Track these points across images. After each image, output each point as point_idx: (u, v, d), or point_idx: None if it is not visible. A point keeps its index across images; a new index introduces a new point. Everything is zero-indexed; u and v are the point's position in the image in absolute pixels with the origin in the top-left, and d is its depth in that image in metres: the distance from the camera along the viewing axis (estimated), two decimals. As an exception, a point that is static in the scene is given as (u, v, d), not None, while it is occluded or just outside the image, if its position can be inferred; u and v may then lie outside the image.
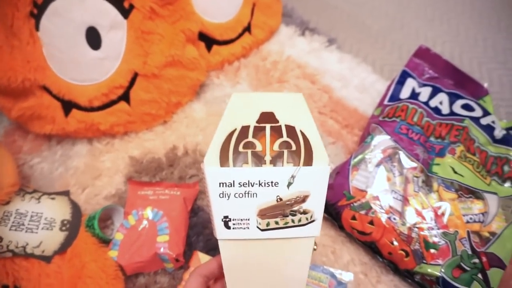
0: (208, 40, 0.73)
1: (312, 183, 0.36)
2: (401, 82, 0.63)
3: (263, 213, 0.36)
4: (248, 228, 0.36)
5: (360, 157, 0.56)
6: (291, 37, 0.85)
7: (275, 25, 0.84)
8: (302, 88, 0.74)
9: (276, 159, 0.36)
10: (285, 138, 0.36)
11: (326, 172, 0.36)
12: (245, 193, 0.36)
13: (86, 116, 0.61)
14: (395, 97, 0.62)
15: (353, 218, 0.52)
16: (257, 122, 0.36)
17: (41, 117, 0.60)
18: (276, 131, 0.36)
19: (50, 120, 0.60)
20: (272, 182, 0.36)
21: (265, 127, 0.36)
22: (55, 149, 0.65)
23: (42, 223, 0.49)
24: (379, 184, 0.53)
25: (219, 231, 0.34)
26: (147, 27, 0.59)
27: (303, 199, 0.37)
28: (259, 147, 0.36)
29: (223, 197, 0.34)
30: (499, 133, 0.57)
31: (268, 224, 0.36)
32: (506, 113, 0.76)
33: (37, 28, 0.54)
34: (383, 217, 0.51)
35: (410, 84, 0.63)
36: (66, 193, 0.54)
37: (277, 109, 0.37)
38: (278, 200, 0.36)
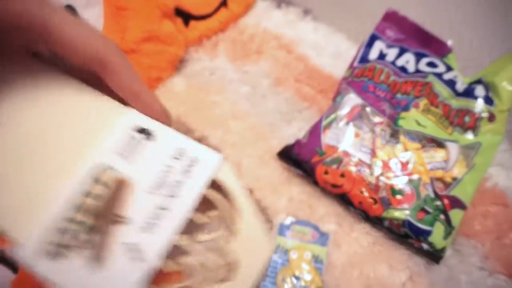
0: (185, 16, 0.75)
1: None
2: (370, 44, 0.66)
3: None
4: None
5: (332, 117, 0.59)
6: (267, 10, 0.86)
7: (250, -1, 0.86)
8: (279, 58, 0.77)
9: None
10: None
11: None
12: None
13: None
14: (364, 59, 0.65)
15: (326, 172, 0.56)
16: None
17: None
18: None
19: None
20: None
21: None
22: None
23: None
24: (349, 140, 0.57)
25: None
26: (121, 3, 0.61)
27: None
28: None
29: None
30: (460, 86, 0.60)
31: None
32: (475, 72, 0.79)
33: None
34: (353, 170, 0.54)
35: (378, 46, 0.65)
36: None
37: None
38: None
